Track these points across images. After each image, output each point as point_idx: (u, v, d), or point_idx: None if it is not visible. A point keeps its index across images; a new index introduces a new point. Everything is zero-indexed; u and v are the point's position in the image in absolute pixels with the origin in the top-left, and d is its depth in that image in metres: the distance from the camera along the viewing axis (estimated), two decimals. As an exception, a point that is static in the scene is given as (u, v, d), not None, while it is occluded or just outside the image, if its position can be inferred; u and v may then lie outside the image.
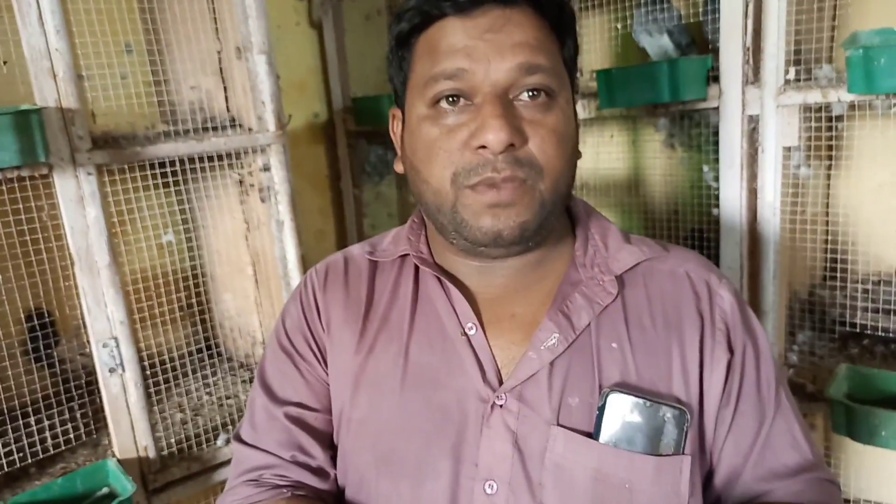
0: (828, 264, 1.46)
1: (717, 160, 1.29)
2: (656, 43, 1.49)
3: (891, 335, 1.36)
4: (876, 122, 1.34)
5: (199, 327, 1.55)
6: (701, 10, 1.43)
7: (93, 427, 1.23)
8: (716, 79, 1.27)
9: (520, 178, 0.65)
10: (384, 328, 0.77)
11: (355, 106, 1.85)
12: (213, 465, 1.25)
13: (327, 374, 0.79)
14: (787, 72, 1.19)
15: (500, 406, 0.69)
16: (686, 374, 0.70)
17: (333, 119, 1.99)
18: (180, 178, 1.23)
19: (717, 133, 1.29)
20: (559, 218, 0.73)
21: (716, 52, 1.35)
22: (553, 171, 0.66)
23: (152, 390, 1.21)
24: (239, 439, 0.80)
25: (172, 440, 1.23)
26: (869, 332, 1.37)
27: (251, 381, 1.57)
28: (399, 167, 0.77)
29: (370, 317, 0.78)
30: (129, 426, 1.16)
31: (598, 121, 1.57)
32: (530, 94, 0.66)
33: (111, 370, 1.13)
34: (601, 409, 0.67)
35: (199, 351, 1.53)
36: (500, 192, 0.65)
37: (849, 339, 1.40)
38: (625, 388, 0.68)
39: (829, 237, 1.45)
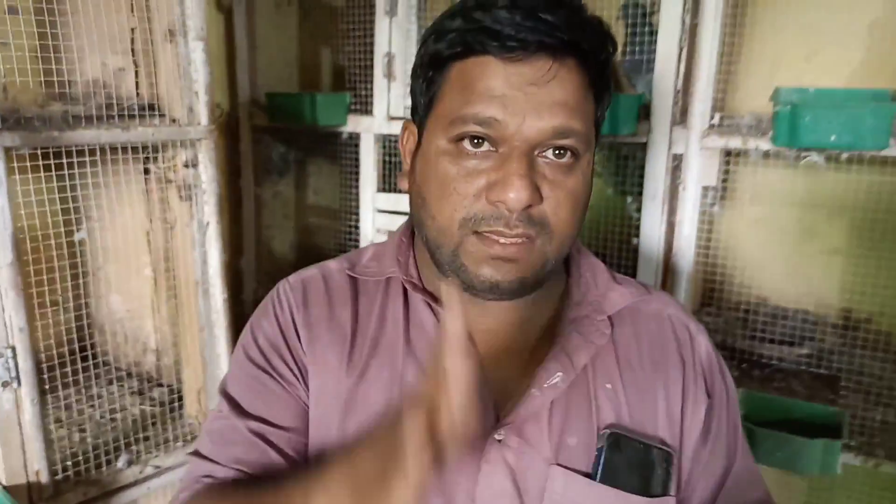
0: (713, 292, 1.60)
1: (640, 193, 1.37)
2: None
3: (764, 360, 1.52)
4: (772, 168, 1.48)
5: (86, 332, 1.38)
6: (621, 50, 1.51)
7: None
8: (646, 116, 1.34)
9: (530, 235, 0.64)
10: (375, 353, 0.73)
11: (270, 101, 1.75)
12: (113, 489, 1.13)
13: (306, 394, 0.74)
14: (712, 116, 1.29)
15: (499, 441, 0.67)
16: (671, 416, 0.72)
17: (237, 111, 1.87)
18: (87, 168, 1.09)
19: (643, 167, 1.36)
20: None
21: (633, 87, 1.44)
22: (562, 234, 0.66)
23: (50, 407, 1.06)
24: (197, 454, 0.74)
25: (69, 463, 1.09)
26: (748, 356, 1.51)
27: (141, 392, 1.44)
28: (404, 184, 0.74)
29: (357, 339, 0.74)
30: (19, 447, 1.01)
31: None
32: (556, 152, 0.64)
33: (4, 384, 0.98)
34: (600, 451, 0.68)
35: (84, 359, 1.36)
36: (505, 248, 0.64)
37: (729, 362, 1.53)
38: (620, 429, 0.69)
39: (714, 268, 1.58)
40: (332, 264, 0.81)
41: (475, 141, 0.64)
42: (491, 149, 0.64)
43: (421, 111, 0.70)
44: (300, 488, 0.60)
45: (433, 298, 0.73)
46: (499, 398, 0.70)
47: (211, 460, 0.73)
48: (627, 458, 0.68)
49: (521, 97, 0.62)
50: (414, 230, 0.79)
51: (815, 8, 1.44)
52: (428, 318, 0.73)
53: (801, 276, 1.58)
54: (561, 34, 0.61)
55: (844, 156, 1.17)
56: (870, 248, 1.40)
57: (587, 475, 0.68)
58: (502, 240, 0.63)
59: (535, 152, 0.64)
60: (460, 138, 0.64)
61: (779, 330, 1.54)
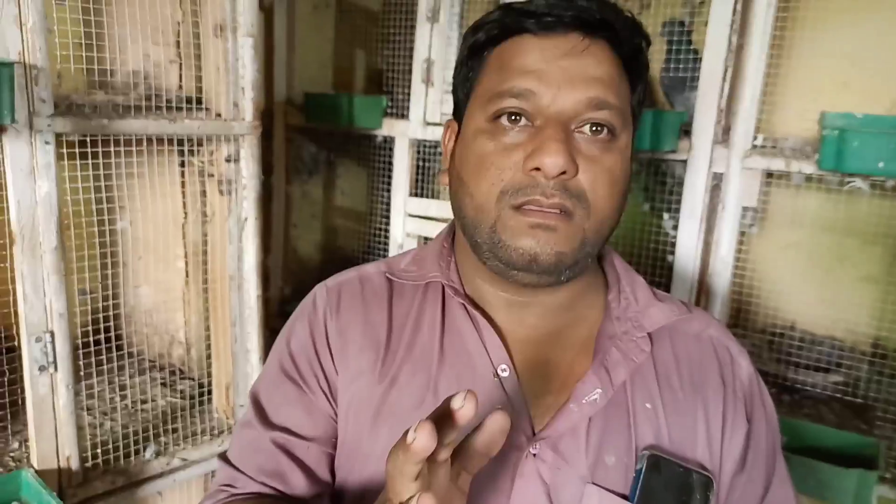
0: (740, 314, 1.58)
1: (678, 210, 1.36)
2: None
3: (792, 385, 1.49)
4: (810, 192, 1.47)
5: (112, 322, 1.38)
6: (662, 66, 1.50)
7: (9, 431, 1.07)
8: (687, 133, 1.33)
9: (567, 207, 0.63)
10: (409, 358, 0.71)
11: (307, 101, 1.76)
12: (139, 480, 1.13)
13: (333, 404, 0.73)
14: (755, 137, 1.28)
15: (534, 455, 0.66)
16: (710, 440, 0.70)
17: (272, 109, 1.88)
18: (133, 158, 1.10)
19: (681, 184, 1.35)
20: (593, 261, 0.72)
21: (672, 104, 1.43)
22: (600, 210, 0.65)
23: (84, 394, 1.06)
24: (223, 458, 0.74)
25: (98, 450, 1.09)
26: (775, 381, 1.49)
27: (170, 385, 1.44)
28: (444, 179, 0.74)
29: (391, 344, 0.73)
30: (52, 432, 1.02)
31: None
32: (593, 128, 0.64)
33: (41, 368, 0.99)
34: (639, 472, 0.66)
35: (109, 349, 1.36)
36: (545, 216, 0.63)
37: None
38: (659, 450, 0.67)
39: (744, 289, 1.56)
40: (370, 268, 0.80)
41: (512, 117, 0.64)
42: (527, 123, 0.64)
43: (461, 102, 0.71)
44: None
45: (473, 304, 0.72)
46: (535, 411, 0.68)
47: (235, 467, 0.73)
48: (666, 481, 0.66)
49: (556, 70, 0.63)
50: (454, 237, 0.79)
51: (857, 36, 1.43)
52: (466, 325, 0.72)
53: (832, 303, 1.56)
54: (594, 13, 0.64)
55: (890, 183, 1.16)
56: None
57: (623, 496, 0.65)
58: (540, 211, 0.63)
59: (572, 127, 0.64)
60: (498, 115, 0.65)
61: (809, 356, 1.52)
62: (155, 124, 1.06)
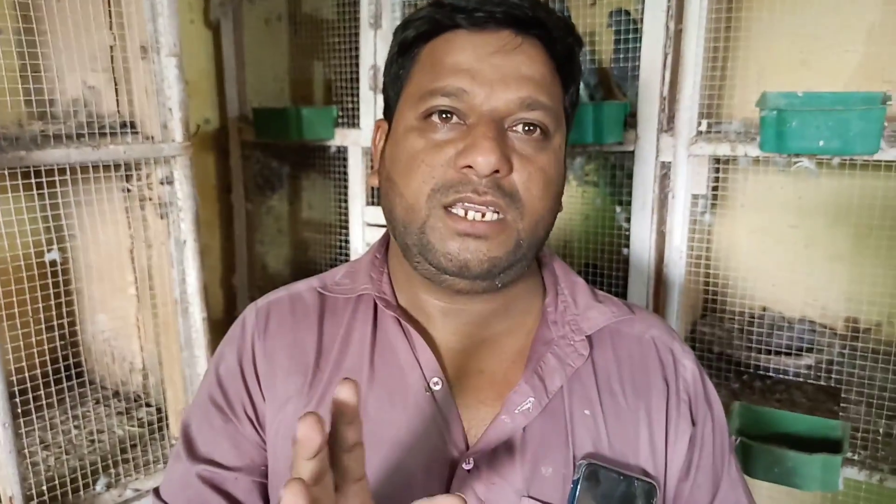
0: (708, 303, 1.56)
1: (629, 202, 1.33)
2: (568, 81, 1.52)
3: (764, 371, 1.47)
4: (764, 175, 1.45)
5: (69, 350, 1.36)
6: (612, 56, 1.48)
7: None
8: (632, 124, 1.31)
9: (499, 206, 0.62)
10: (336, 376, 0.70)
11: (256, 117, 1.74)
12: (90, 515, 1.11)
13: (260, 432, 0.71)
14: (699, 123, 1.26)
15: (468, 471, 0.64)
16: (653, 446, 0.69)
17: (227, 127, 1.86)
18: (69, 187, 1.08)
19: (630, 176, 1.33)
20: (530, 265, 0.70)
21: (625, 95, 1.41)
22: (534, 211, 0.64)
23: (23, 430, 1.04)
24: (156, 493, 0.73)
25: (44, 487, 1.07)
26: (747, 368, 1.47)
27: (127, 412, 1.42)
28: (374, 180, 0.73)
29: (321, 364, 0.71)
30: (-9, 473, 1.00)
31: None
32: (526, 128, 0.64)
33: (-27, 409, 0.97)
34: (576, 483, 0.64)
35: (69, 378, 1.33)
36: (474, 225, 0.62)
37: (730, 374, 1.48)
38: (598, 458, 0.66)
39: (710, 278, 1.54)
40: (302, 285, 0.78)
41: (444, 115, 0.64)
42: (459, 122, 0.63)
43: (392, 101, 0.70)
44: None
45: (406, 315, 0.71)
46: (469, 424, 0.67)
47: (164, 502, 0.71)
48: (605, 490, 0.64)
49: (489, 68, 0.62)
50: (388, 246, 0.77)
51: (810, 11, 1.41)
52: (398, 338, 0.70)
53: (803, 285, 1.54)
54: (526, 10, 0.64)
55: (836, 161, 1.14)
56: (874, 254, 1.36)
57: None
58: (470, 216, 0.62)
59: (505, 125, 0.63)
60: (429, 113, 0.64)
61: (779, 341, 1.49)
62: (77, 152, 1.04)
